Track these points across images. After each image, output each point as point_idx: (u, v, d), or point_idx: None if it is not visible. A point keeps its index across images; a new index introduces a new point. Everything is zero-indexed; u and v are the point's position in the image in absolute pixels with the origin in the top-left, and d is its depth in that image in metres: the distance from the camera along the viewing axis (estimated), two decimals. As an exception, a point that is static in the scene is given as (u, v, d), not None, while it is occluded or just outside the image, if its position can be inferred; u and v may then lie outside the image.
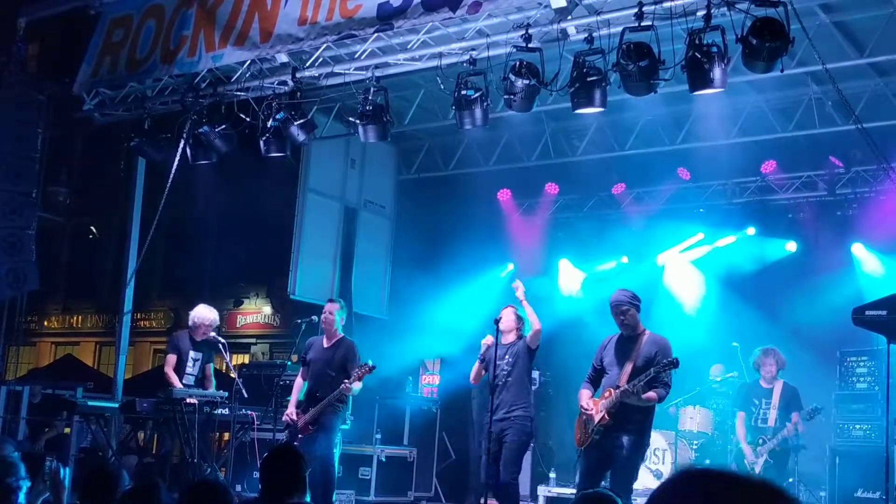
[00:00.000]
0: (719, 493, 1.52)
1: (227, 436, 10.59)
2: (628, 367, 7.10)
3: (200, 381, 9.51)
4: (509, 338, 8.06)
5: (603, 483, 7.12)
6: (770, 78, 8.29)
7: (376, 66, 8.95)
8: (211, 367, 9.70)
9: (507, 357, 7.96)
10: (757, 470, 9.14)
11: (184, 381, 9.27)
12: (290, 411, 8.39)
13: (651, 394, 7.00)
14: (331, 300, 8.85)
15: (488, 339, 8.06)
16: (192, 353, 9.44)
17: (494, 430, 7.84)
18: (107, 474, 4.76)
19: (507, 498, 7.79)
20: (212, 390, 9.35)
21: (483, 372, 8.18)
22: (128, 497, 4.31)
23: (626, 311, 7.23)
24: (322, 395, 8.23)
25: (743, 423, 9.44)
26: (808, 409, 9.17)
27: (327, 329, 8.53)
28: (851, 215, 11.76)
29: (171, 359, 9.39)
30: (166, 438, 9.65)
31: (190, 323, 9.55)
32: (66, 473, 5.19)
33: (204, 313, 9.52)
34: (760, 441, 9.24)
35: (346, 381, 8.08)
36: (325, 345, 8.51)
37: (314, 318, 8.59)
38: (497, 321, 7.97)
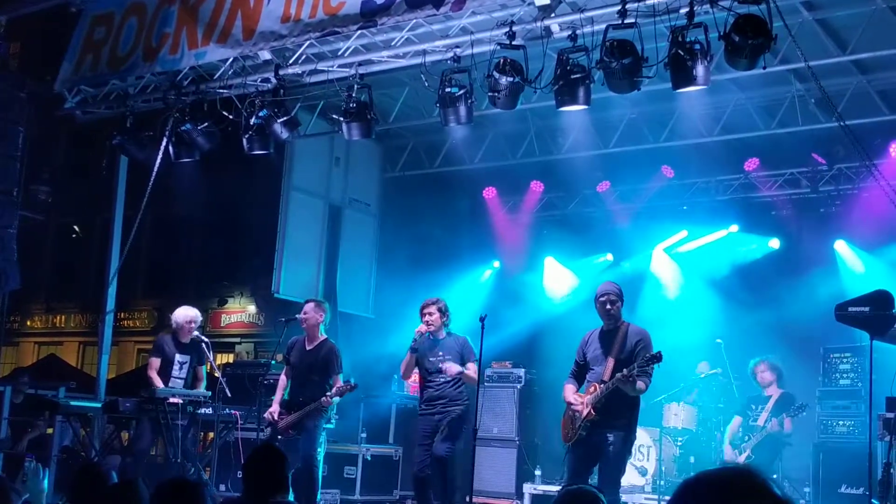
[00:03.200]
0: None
1: (210, 435, 10.53)
2: (611, 361, 7.11)
3: (192, 384, 9.31)
4: (439, 334, 8.15)
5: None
6: (753, 75, 8.32)
7: (360, 64, 8.93)
8: (203, 369, 9.48)
9: (437, 351, 8.04)
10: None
11: (170, 386, 9.04)
12: (273, 409, 8.32)
13: (639, 384, 7.02)
14: (308, 300, 8.72)
15: (422, 328, 8.13)
16: (178, 357, 9.22)
17: (432, 422, 8.05)
18: (96, 473, 4.70)
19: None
20: (196, 390, 9.27)
21: (415, 365, 8.27)
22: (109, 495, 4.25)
23: (615, 302, 7.25)
24: (304, 400, 8.20)
25: (735, 426, 9.66)
26: (795, 406, 9.33)
27: (308, 330, 8.45)
28: (834, 212, 11.80)
29: (155, 362, 9.18)
30: (145, 435, 9.49)
31: (173, 325, 9.34)
32: (46, 474, 5.13)
33: (185, 312, 9.31)
34: (747, 438, 9.49)
35: (327, 394, 8.07)
36: (308, 347, 8.44)
37: (297, 316, 8.52)
38: (482, 319, 7.97)
